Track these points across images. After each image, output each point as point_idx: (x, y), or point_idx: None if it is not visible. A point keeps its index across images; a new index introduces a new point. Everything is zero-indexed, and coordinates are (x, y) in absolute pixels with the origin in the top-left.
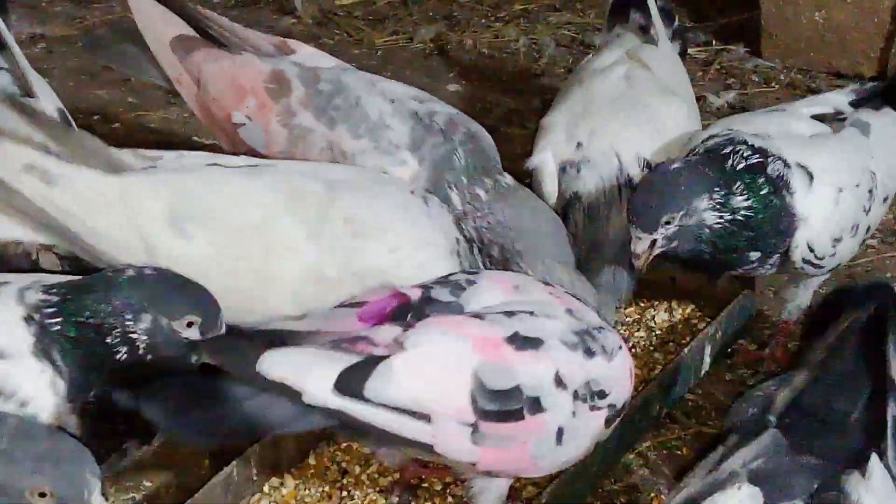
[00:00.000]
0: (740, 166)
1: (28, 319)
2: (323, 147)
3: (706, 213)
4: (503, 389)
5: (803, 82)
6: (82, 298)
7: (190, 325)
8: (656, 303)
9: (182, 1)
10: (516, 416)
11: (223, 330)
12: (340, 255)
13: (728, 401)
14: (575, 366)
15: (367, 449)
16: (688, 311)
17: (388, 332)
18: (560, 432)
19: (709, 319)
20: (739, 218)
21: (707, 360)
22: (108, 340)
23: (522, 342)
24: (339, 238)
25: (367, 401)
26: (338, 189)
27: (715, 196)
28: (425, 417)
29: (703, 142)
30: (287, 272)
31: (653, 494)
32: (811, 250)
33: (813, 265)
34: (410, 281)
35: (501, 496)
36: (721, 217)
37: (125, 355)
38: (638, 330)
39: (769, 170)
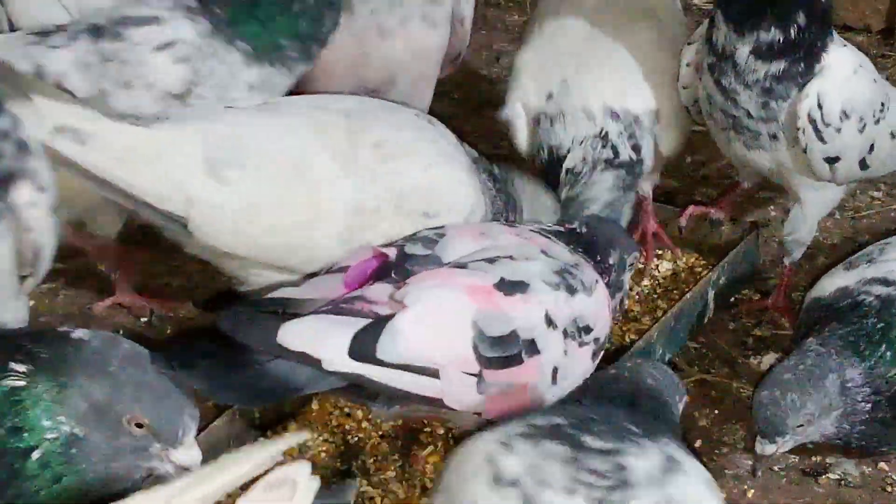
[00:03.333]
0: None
1: None
2: None
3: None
4: (502, 335)
5: None
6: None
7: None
8: (660, 252)
9: None
10: (516, 360)
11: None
12: (377, 181)
13: (731, 350)
14: (561, 304)
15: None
16: (692, 260)
17: (380, 289)
18: (555, 371)
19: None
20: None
21: (710, 305)
22: None
23: (510, 287)
24: (372, 165)
25: (379, 362)
26: (355, 117)
27: (848, 386)
28: (434, 372)
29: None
30: (333, 207)
31: None
32: (819, 107)
33: (816, 133)
34: (446, 196)
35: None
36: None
37: None
38: (642, 279)
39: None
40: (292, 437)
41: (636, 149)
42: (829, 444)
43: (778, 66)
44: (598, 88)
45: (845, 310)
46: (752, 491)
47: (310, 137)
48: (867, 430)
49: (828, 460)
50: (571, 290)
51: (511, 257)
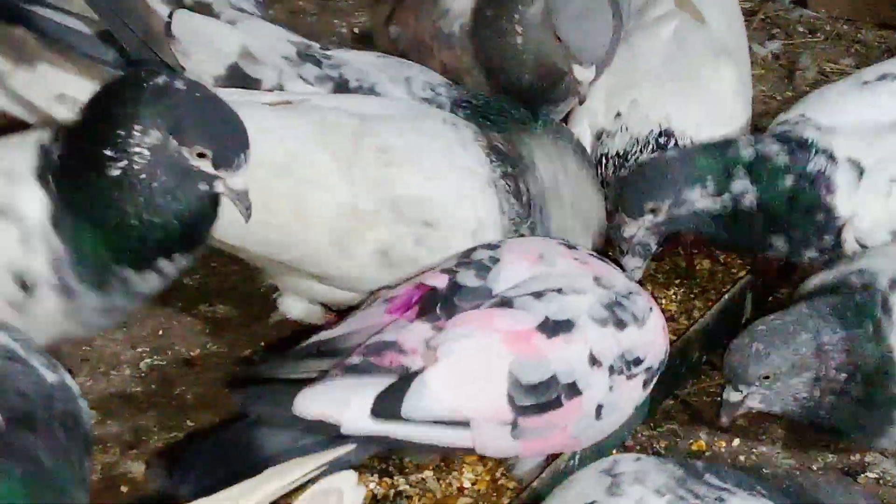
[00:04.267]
0: (751, 156)
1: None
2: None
3: (699, 201)
4: (539, 382)
5: (849, 33)
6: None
7: (201, 155)
8: (696, 252)
9: None
10: (554, 405)
11: (242, 168)
12: (374, 186)
13: None
14: (608, 341)
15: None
16: (729, 260)
17: (417, 333)
18: (599, 409)
19: (749, 268)
20: (744, 207)
21: (748, 307)
22: (110, 152)
23: (554, 328)
24: (372, 169)
25: (405, 420)
26: (370, 121)
27: (709, 185)
28: (464, 424)
29: (775, 126)
30: (322, 207)
31: (692, 440)
32: (863, 246)
33: None
34: (448, 209)
35: (536, 461)
36: (716, 204)
37: (121, 171)
38: (678, 279)
39: (809, 166)
40: (339, 450)
41: None
42: (802, 422)
43: None
44: (675, 111)
45: (831, 289)
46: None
47: (310, 138)
48: (839, 406)
49: (867, 459)
50: (621, 325)
51: (560, 290)
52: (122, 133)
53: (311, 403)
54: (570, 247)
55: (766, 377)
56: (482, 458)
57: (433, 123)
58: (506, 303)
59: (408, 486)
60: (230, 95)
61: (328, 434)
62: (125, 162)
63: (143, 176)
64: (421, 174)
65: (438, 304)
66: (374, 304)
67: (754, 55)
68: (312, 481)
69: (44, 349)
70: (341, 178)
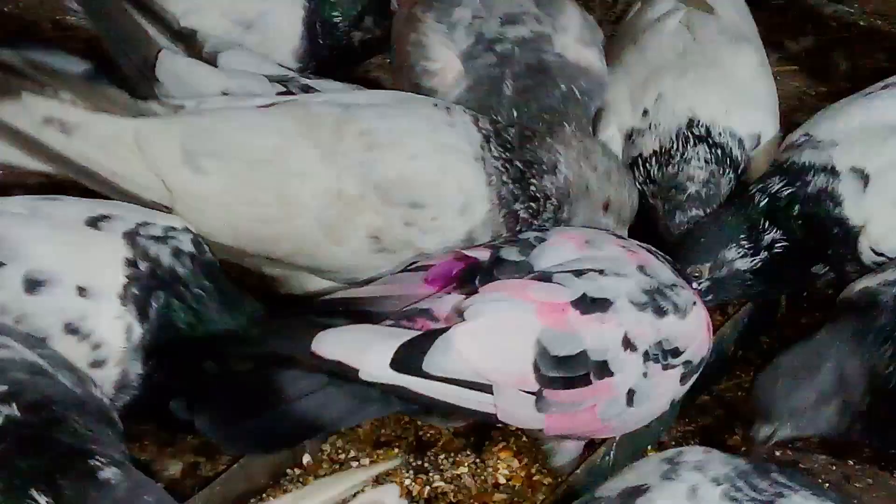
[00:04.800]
0: (762, 204)
1: (132, 265)
2: (413, 29)
3: (737, 261)
4: (568, 355)
5: (882, 27)
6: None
7: None
8: None
9: None
10: (583, 381)
11: None
12: (357, 169)
13: None
14: (645, 326)
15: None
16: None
17: (450, 301)
18: (631, 394)
19: None
20: (778, 251)
21: (783, 302)
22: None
23: (589, 304)
24: (353, 153)
25: (426, 375)
26: (353, 109)
27: (742, 243)
28: (487, 388)
29: (780, 154)
30: (306, 196)
31: (727, 434)
32: (878, 254)
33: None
34: (436, 188)
35: (574, 453)
36: (754, 259)
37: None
38: None
39: (808, 187)
40: (386, 464)
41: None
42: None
43: None
44: (701, 99)
45: (863, 307)
46: (827, 485)
47: (293, 131)
48: (869, 426)
49: None
50: (661, 312)
51: (602, 271)
52: None
53: (331, 345)
54: (621, 237)
55: (796, 410)
56: (517, 454)
57: (421, 107)
58: (544, 277)
59: (443, 483)
60: (219, 103)
61: (346, 378)
62: None
63: None
64: (403, 154)
65: (478, 276)
66: (412, 269)
67: (786, 51)
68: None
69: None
70: (325, 165)
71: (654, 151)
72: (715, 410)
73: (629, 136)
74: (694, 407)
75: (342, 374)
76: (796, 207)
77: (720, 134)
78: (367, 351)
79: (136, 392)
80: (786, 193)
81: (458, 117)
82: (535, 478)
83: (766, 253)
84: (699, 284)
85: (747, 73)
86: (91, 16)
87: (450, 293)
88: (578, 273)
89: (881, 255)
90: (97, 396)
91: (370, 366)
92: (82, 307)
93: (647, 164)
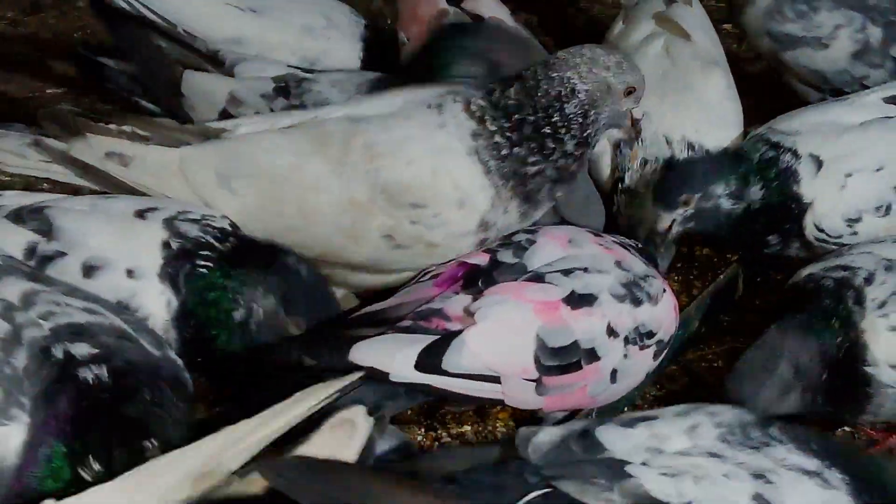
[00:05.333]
0: (756, 160)
1: (167, 246)
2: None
3: (722, 199)
4: (562, 347)
5: None
6: (231, 277)
7: (298, 325)
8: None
9: None
10: (575, 367)
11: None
12: (364, 179)
13: (758, 322)
14: (624, 315)
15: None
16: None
17: (460, 302)
18: (614, 373)
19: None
20: (755, 207)
21: (740, 285)
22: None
23: (578, 300)
24: (360, 164)
25: (445, 373)
26: (361, 122)
27: (732, 185)
28: (495, 379)
29: (744, 143)
30: (323, 206)
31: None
32: (820, 230)
33: (831, 243)
34: (433, 189)
35: (560, 417)
36: (737, 204)
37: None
38: (679, 263)
39: (780, 162)
40: (349, 378)
41: None
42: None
43: None
44: (677, 121)
45: (808, 294)
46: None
47: (307, 149)
48: (829, 400)
49: None
50: (637, 301)
51: (586, 269)
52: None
53: (365, 354)
54: (597, 234)
55: (765, 407)
56: (513, 414)
57: (416, 112)
58: (538, 277)
59: (449, 439)
60: (253, 125)
61: (378, 381)
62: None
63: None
64: (401, 162)
65: (481, 279)
66: (423, 279)
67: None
68: (326, 416)
69: (152, 330)
70: (336, 177)
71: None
72: (682, 379)
73: (618, 149)
74: (664, 376)
75: (375, 378)
76: (773, 172)
77: (692, 148)
78: (394, 357)
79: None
80: (770, 156)
81: (449, 114)
82: None
83: (746, 204)
84: (686, 211)
85: (716, 96)
86: (125, 51)
87: (457, 293)
88: (566, 272)
89: (822, 231)
90: (171, 358)
91: (398, 369)
92: (131, 287)
93: (628, 176)
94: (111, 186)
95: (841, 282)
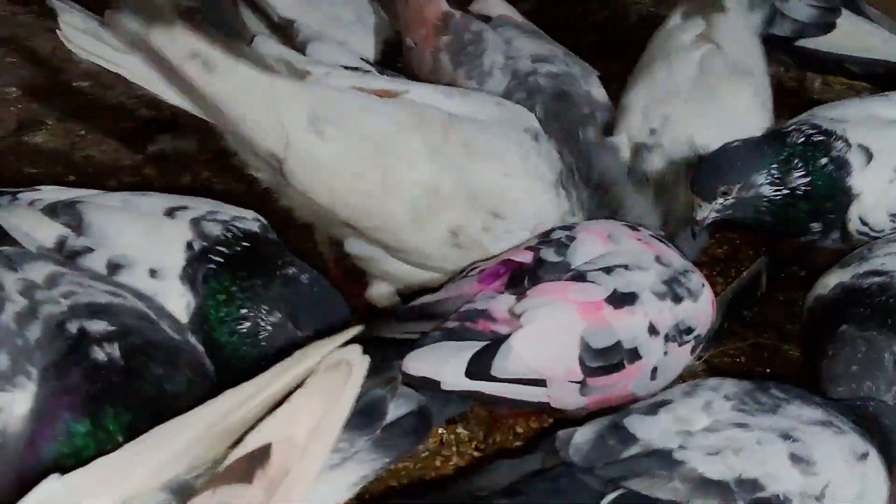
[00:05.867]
0: (800, 144)
1: (190, 247)
2: (446, 81)
3: (763, 187)
4: (606, 347)
5: None
6: (245, 280)
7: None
8: (718, 235)
9: None
10: (618, 367)
11: None
12: (456, 173)
13: (780, 317)
14: (665, 313)
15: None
16: (747, 241)
17: (505, 302)
18: (654, 370)
19: (764, 250)
20: (799, 192)
21: (763, 282)
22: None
23: (620, 299)
24: (456, 158)
25: (494, 378)
26: (461, 121)
27: (773, 171)
28: (541, 383)
29: (789, 123)
30: (407, 182)
31: None
32: (864, 223)
33: (871, 236)
34: (518, 202)
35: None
36: (779, 190)
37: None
38: (704, 258)
39: (832, 149)
40: (350, 332)
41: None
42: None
43: None
44: (698, 126)
45: (853, 299)
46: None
47: (406, 123)
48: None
49: None
50: (678, 299)
51: (627, 266)
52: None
53: (418, 364)
54: (634, 228)
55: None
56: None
57: (514, 131)
58: (580, 276)
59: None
60: (348, 79)
61: (432, 389)
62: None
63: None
64: (499, 170)
65: (526, 277)
66: (469, 274)
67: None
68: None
69: (173, 316)
70: (428, 160)
71: (654, 184)
72: (705, 374)
73: (637, 150)
74: (686, 371)
75: (427, 386)
76: (823, 159)
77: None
78: (445, 366)
79: None
80: (818, 140)
81: (544, 145)
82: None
83: (788, 190)
84: (725, 200)
85: (742, 105)
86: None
87: (501, 292)
88: (608, 270)
89: (866, 224)
90: (193, 343)
91: (449, 378)
92: (153, 287)
93: (647, 189)
94: (180, 91)
95: (884, 286)
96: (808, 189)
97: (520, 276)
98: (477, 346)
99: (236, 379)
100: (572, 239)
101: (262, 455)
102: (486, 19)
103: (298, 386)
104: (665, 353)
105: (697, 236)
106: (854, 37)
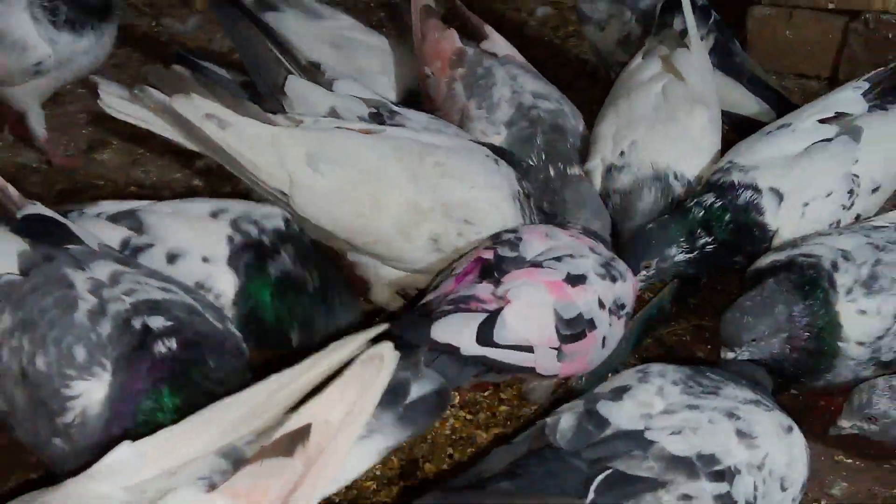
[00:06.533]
0: (699, 215)
1: (231, 240)
2: (459, 108)
3: (677, 256)
4: (573, 318)
5: (777, 81)
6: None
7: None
8: None
9: None
10: (582, 335)
11: None
12: (432, 190)
13: (719, 303)
14: (607, 290)
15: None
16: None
17: (485, 288)
18: (604, 339)
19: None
20: (708, 251)
21: (703, 280)
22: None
23: (574, 279)
24: (431, 177)
25: (496, 345)
26: (431, 147)
27: (682, 243)
28: (530, 349)
29: (711, 176)
30: (391, 202)
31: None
32: None
33: None
34: (484, 211)
35: (549, 388)
36: (690, 255)
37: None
38: None
39: (739, 199)
40: (380, 327)
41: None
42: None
43: None
44: (661, 149)
45: (780, 269)
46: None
47: (388, 153)
48: (800, 357)
49: None
50: (613, 279)
51: (571, 255)
52: None
53: (442, 332)
54: (563, 226)
55: (754, 340)
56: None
57: (478, 154)
58: (538, 265)
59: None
60: (332, 123)
61: (451, 353)
62: None
63: None
64: (467, 185)
65: (494, 270)
66: (449, 275)
67: None
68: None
69: (214, 305)
70: (408, 182)
71: (620, 197)
72: (657, 351)
73: (608, 170)
74: (642, 348)
75: (448, 352)
76: (728, 215)
77: (673, 176)
78: (462, 333)
79: (236, 324)
80: (718, 205)
81: (504, 167)
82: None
83: (698, 252)
84: (648, 272)
85: (697, 129)
86: (238, 46)
87: (479, 283)
88: (557, 259)
89: None
90: (232, 331)
91: (466, 344)
92: (206, 270)
93: (615, 197)
94: (200, 144)
95: (812, 265)
96: (714, 246)
97: (488, 271)
98: (481, 316)
99: (272, 339)
100: (520, 238)
101: (302, 434)
102: (493, 56)
103: (335, 373)
104: (610, 324)
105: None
106: (721, 94)
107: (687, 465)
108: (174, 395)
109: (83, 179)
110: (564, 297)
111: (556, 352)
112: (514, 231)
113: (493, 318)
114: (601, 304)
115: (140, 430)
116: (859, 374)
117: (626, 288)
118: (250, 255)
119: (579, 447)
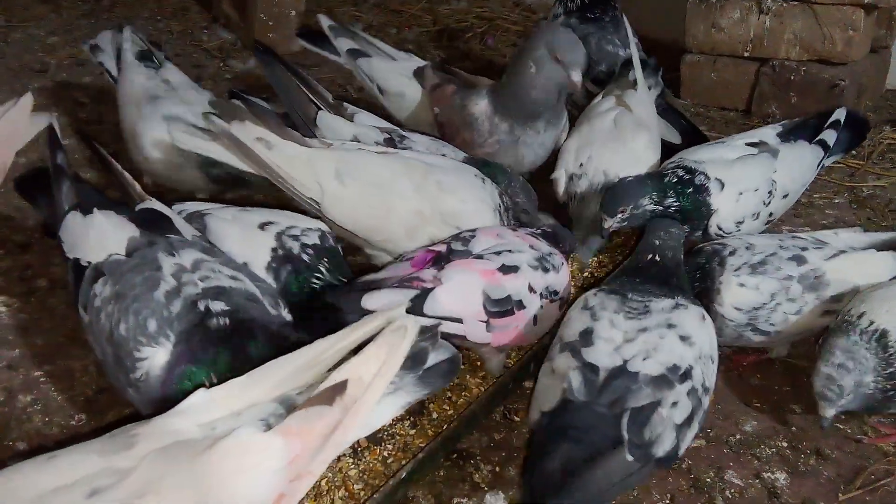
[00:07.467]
0: (673, 180)
1: (274, 251)
2: (459, 139)
3: (647, 206)
4: (500, 298)
5: (704, 113)
6: (307, 273)
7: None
8: (600, 252)
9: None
10: (510, 312)
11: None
12: (432, 201)
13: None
14: (539, 279)
15: None
16: (621, 258)
17: (430, 272)
18: (535, 318)
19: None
20: (671, 210)
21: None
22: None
23: (507, 269)
24: (431, 192)
25: (426, 315)
26: (433, 167)
27: (654, 197)
28: (459, 321)
29: (667, 165)
30: (401, 209)
31: None
32: (719, 228)
33: (723, 235)
34: (472, 219)
35: (501, 360)
36: (657, 209)
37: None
38: (584, 272)
39: (696, 180)
40: (400, 308)
41: None
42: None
43: None
44: (612, 161)
45: (694, 253)
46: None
47: (399, 170)
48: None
49: None
50: (546, 270)
51: (510, 251)
52: None
53: (373, 302)
54: (515, 229)
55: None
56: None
57: (469, 174)
58: (479, 257)
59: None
60: (355, 146)
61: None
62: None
63: None
64: (458, 199)
65: (443, 260)
66: (401, 261)
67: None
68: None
69: (275, 292)
70: (414, 194)
71: (579, 199)
72: (603, 274)
73: (570, 178)
74: (585, 278)
75: None
76: (690, 188)
77: (640, 174)
78: (392, 304)
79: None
80: (686, 178)
81: (489, 185)
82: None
83: (663, 209)
84: (623, 216)
85: (640, 148)
86: (276, 87)
87: (429, 269)
88: (497, 252)
89: (720, 228)
90: (284, 317)
91: (397, 314)
92: None
93: (575, 200)
94: (251, 163)
95: (714, 251)
96: (678, 208)
97: (439, 260)
98: (413, 292)
99: (304, 316)
100: (473, 236)
101: (340, 387)
102: (473, 84)
103: (367, 341)
104: (541, 306)
105: (604, 238)
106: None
107: (665, 381)
108: (224, 360)
109: (167, 188)
110: (495, 281)
111: (484, 324)
112: (472, 231)
113: (425, 293)
114: (531, 289)
115: (188, 390)
116: (743, 334)
117: (560, 278)
118: (288, 266)
119: (592, 398)
